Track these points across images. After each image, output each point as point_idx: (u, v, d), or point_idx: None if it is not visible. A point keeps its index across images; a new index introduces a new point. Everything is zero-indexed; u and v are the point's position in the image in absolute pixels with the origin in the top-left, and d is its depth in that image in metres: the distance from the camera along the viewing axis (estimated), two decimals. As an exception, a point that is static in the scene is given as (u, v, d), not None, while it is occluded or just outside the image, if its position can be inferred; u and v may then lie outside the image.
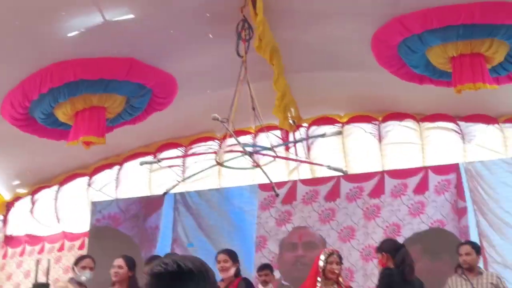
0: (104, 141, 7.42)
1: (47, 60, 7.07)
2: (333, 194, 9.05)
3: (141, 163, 7.88)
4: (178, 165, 10.24)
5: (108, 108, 7.47)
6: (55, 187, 10.99)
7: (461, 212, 8.35)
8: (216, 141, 10.11)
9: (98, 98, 7.25)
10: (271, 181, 7.52)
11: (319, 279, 5.43)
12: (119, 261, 5.46)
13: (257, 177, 9.62)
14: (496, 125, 9.07)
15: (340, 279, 5.61)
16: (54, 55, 7.01)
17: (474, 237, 7.89)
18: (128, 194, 10.54)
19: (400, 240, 8.21)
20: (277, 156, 7.79)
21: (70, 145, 7.40)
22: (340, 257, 5.66)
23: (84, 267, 5.70)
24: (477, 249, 6.03)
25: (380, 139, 9.46)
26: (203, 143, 10.33)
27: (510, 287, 5.83)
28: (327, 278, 5.47)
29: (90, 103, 7.25)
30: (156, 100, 7.96)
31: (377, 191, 8.83)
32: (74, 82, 6.98)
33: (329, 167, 7.34)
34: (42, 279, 6.10)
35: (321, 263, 5.47)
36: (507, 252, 7.96)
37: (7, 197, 11.25)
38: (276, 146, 8.12)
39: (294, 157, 9.53)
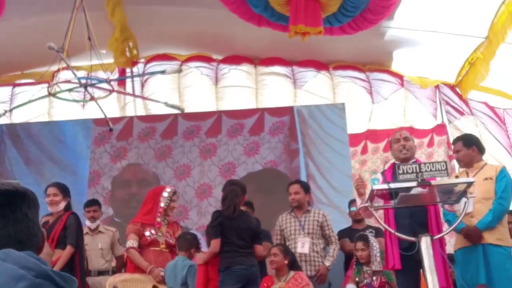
0: None
1: None
2: (170, 132, 9.00)
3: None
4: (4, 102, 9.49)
5: None
6: None
7: (293, 154, 8.75)
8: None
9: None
10: (105, 115, 7.29)
11: (159, 214, 5.45)
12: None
13: (89, 113, 9.26)
14: (326, 72, 9.53)
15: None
16: None
17: (304, 178, 8.32)
18: None
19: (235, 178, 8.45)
20: (114, 90, 7.56)
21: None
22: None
23: None
24: (306, 188, 6.25)
25: (216, 81, 9.50)
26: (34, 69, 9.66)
27: (333, 224, 6.17)
28: (167, 215, 5.54)
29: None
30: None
31: (214, 130, 8.94)
32: None
33: (166, 104, 7.31)
34: None
35: (166, 201, 5.49)
36: (330, 192, 8.50)
37: None
38: (113, 80, 7.87)
39: (131, 92, 9.28)
